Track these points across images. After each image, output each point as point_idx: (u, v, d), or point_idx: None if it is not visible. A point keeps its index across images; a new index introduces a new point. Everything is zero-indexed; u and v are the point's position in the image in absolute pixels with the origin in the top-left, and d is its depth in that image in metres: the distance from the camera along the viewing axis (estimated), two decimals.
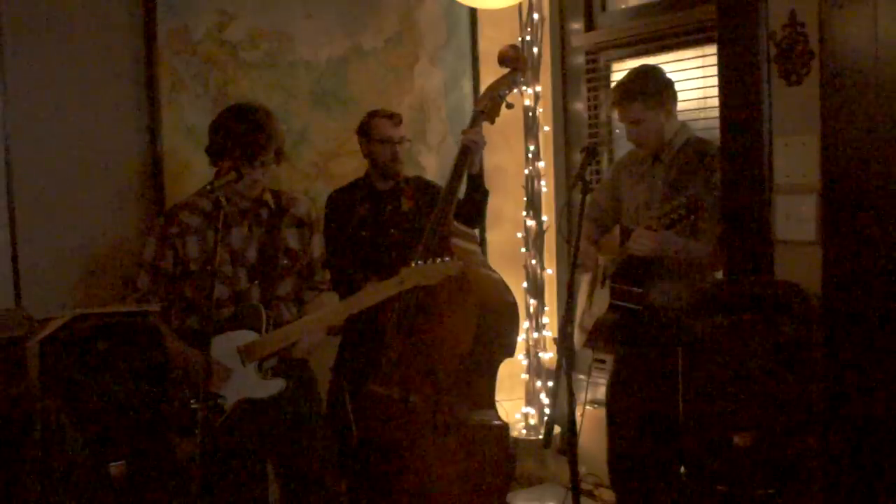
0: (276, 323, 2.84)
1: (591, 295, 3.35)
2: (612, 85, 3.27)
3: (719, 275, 3.19)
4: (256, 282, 2.85)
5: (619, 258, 3.14)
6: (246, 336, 2.79)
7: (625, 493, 3.37)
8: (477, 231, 3.84)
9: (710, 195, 3.06)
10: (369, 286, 2.95)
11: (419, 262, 2.94)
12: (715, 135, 3.20)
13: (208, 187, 2.62)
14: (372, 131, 3.58)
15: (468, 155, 3.41)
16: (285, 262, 2.91)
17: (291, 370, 2.91)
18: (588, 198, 2.85)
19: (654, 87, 3.17)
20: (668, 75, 3.29)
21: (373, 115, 3.63)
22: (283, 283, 2.93)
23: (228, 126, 2.79)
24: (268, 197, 2.92)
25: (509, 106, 3.51)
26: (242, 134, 2.75)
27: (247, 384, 2.79)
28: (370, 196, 3.61)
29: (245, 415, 2.81)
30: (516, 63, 3.52)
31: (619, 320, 3.14)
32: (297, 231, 2.96)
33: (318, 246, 3.03)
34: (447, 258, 2.95)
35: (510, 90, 3.51)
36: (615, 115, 3.27)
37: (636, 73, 3.25)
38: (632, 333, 3.18)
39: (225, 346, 2.76)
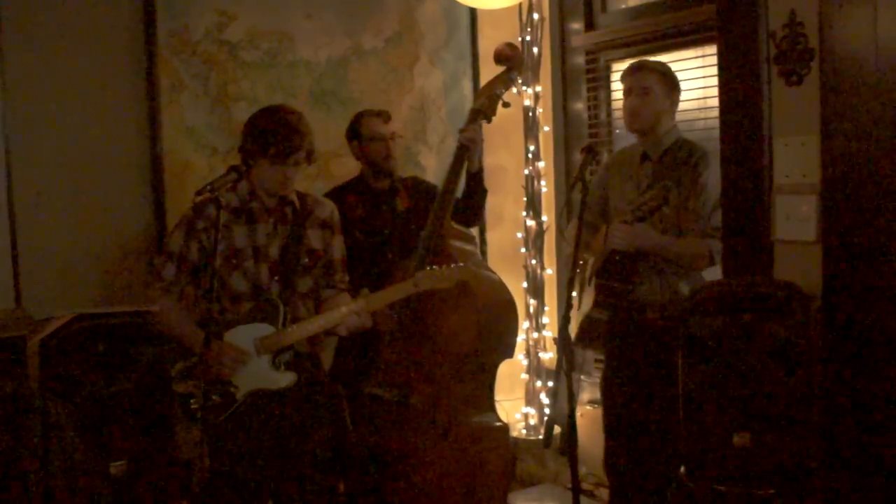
0: (292, 318, 2.90)
1: (579, 294, 3.36)
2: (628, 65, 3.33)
3: (709, 273, 3.19)
4: (277, 278, 2.92)
5: (603, 255, 3.15)
6: (262, 329, 2.85)
7: (620, 490, 3.38)
8: (476, 230, 3.83)
9: (697, 197, 3.08)
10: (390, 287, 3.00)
11: (433, 266, 2.97)
12: (715, 135, 3.20)
13: (208, 187, 2.64)
14: (362, 130, 3.57)
15: (466, 153, 3.40)
16: (306, 261, 2.98)
17: (304, 366, 2.96)
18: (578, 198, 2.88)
19: (670, 73, 3.26)
20: None
21: (361, 115, 3.62)
22: (303, 280, 2.99)
23: (263, 126, 2.86)
24: (294, 197, 2.99)
25: (506, 105, 3.50)
26: (276, 134, 2.82)
27: (259, 375, 2.85)
28: (366, 197, 3.59)
29: (254, 406, 2.86)
30: (512, 61, 3.50)
31: (607, 318, 3.14)
32: (320, 232, 3.03)
33: (339, 247, 3.09)
34: (460, 263, 2.97)
35: (506, 88, 3.50)
36: (625, 85, 3.28)
37: (655, 61, 3.34)
38: (620, 331, 3.18)
39: (242, 337, 2.84)
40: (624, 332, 3.19)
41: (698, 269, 3.19)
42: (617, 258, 3.09)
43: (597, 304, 3.12)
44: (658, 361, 3.05)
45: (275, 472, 2.97)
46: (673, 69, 3.32)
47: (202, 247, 2.89)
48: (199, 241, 2.89)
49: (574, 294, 3.26)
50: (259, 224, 2.93)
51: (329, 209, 3.09)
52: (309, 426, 2.98)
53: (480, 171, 3.51)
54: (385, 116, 3.60)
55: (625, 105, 3.29)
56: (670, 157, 3.21)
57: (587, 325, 3.17)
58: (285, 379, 2.87)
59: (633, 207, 3.00)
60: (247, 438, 2.87)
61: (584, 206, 2.81)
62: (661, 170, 3.19)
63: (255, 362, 2.84)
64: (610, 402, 3.38)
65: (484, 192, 3.56)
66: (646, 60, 3.33)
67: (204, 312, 2.90)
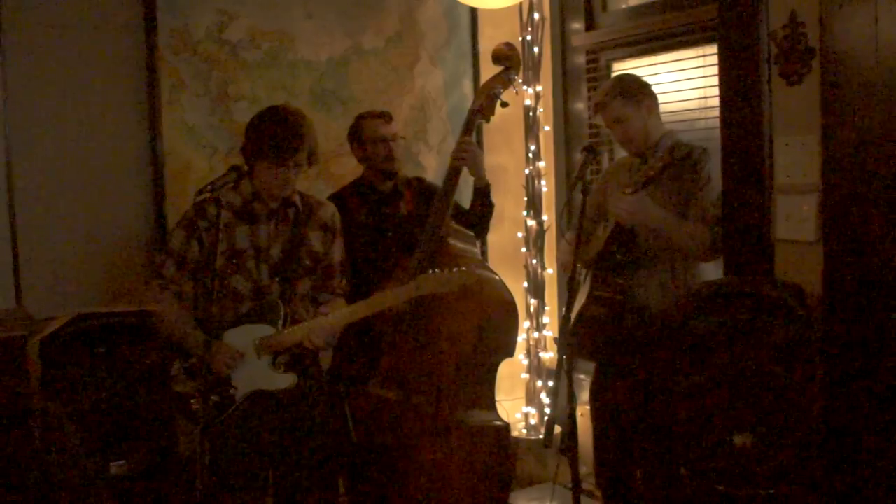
0: (292, 319, 2.90)
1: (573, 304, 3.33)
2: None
3: (704, 267, 3.18)
4: (277, 278, 2.92)
5: (599, 246, 3.13)
6: (263, 330, 2.85)
7: (613, 495, 3.36)
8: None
9: (698, 190, 3.09)
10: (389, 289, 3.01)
11: (436, 269, 2.95)
12: (715, 135, 3.20)
13: (209, 187, 2.65)
14: (363, 133, 3.55)
15: (461, 167, 3.41)
16: (307, 262, 2.98)
17: (304, 367, 2.96)
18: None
19: (629, 87, 3.23)
20: (665, 76, 3.32)
21: (362, 117, 3.61)
22: (303, 282, 2.99)
23: (262, 128, 2.85)
24: (296, 199, 2.99)
25: (504, 104, 3.48)
26: (275, 136, 2.81)
27: (259, 376, 2.85)
28: (369, 199, 3.58)
29: (254, 407, 2.86)
30: (510, 61, 3.50)
31: (602, 317, 3.11)
32: (321, 234, 3.03)
33: (338, 251, 3.09)
34: (463, 267, 2.95)
35: (504, 88, 3.48)
36: (600, 121, 3.33)
37: (612, 80, 3.37)
38: (615, 336, 3.15)
39: (241, 338, 2.83)
40: (619, 339, 3.15)
41: (698, 257, 3.14)
42: (613, 249, 3.08)
43: (590, 297, 3.10)
44: (656, 362, 3.04)
45: (274, 473, 2.98)
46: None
47: (203, 246, 2.89)
48: (201, 240, 2.89)
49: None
50: (261, 225, 2.93)
51: (330, 212, 3.08)
52: (308, 427, 2.98)
53: (487, 188, 3.50)
54: (386, 117, 3.58)
55: (611, 133, 3.33)
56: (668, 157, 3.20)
57: (580, 321, 3.12)
58: (285, 380, 2.87)
59: (634, 179, 2.99)
60: (246, 439, 2.88)
61: (584, 207, 2.80)
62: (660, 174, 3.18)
63: (254, 363, 2.84)
64: (599, 405, 3.35)
65: (491, 205, 3.55)
66: (601, 95, 3.27)
67: (204, 312, 2.91)
